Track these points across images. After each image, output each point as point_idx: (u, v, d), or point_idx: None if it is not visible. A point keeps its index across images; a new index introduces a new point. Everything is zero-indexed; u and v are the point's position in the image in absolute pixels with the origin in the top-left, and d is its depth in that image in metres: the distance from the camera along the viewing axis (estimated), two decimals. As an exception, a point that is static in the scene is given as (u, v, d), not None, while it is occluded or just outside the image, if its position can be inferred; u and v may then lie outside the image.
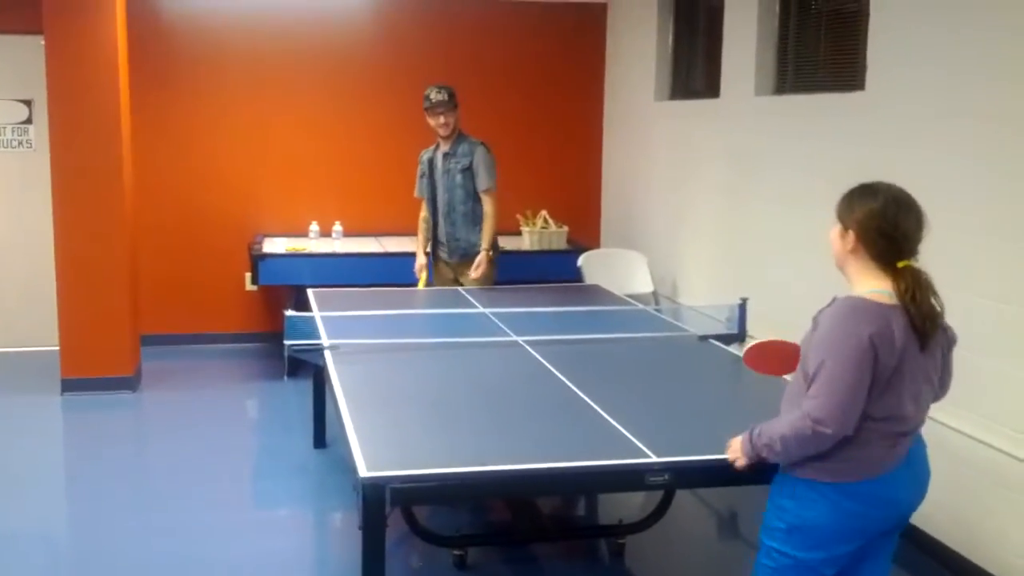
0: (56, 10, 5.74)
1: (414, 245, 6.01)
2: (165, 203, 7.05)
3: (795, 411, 2.46)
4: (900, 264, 2.43)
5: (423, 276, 5.78)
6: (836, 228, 2.54)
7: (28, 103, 6.81)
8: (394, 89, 7.20)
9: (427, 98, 5.52)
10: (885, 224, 2.43)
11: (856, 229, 2.47)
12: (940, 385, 2.57)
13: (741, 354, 2.88)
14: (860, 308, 2.42)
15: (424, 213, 5.81)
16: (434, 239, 5.76)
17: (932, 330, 2.42)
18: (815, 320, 2.52)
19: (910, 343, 2.41)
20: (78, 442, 5.53)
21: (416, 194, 5.82)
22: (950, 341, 2.55)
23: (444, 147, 5.62)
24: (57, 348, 6.04)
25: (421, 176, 5.72)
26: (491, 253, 5.59)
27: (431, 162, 5.68)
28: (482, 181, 5.57)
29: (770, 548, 2.59)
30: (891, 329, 2.38)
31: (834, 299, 2.50)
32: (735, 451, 2.67)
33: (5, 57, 6.77)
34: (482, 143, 5.64)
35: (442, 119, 5.50)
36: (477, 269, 5.54)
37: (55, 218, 5.92)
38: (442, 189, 5.63)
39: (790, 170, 4.99)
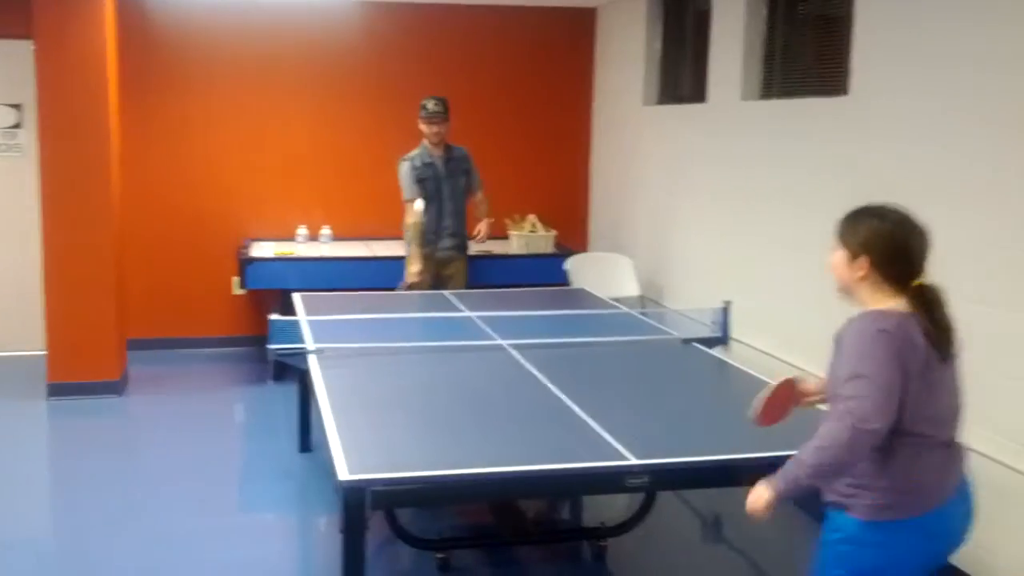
0: (46, 15, 5.75)
1: (403, 249, 5.99)
2: (153, 207, 7.05)
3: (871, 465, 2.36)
4: (914, 283, 2.41)
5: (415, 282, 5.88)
6: (840, 254, 2.49)
7: (17, 107, 6.81)
8: (383, 93, 7.21)
9: (425, 108, 5.94)
10: (897, 246, 2.42)
11: (868, 253, 2.43)
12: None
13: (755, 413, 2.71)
14: (879, 315, 2.39)
15: (416, 218, 5.88)
16: (433, 236, 6.01)
17: (950, 343, 2.41)
18: (837, 340, 2.46)
19: (931, 352, 2.37)
20: (64, 447, 5.52)
21: (413, 196, 5.91)
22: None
23: (438, 152, 6.02)
24: (44, 353, 6.04)
25: (422, 180, 5.95)
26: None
27: (432, 166, 5.99)
28: (477, 183, 6.22)
29: None
30: (910, 332, 2.35)
31: (850, 320, 2.46)
32: (756, 491, 2.43)
33: (-6, 61, 6.77)
34: (465, 148, 6.17)
35: (436, 128, 5.95)
36: (482, 233, 6.14)
37: (43, 223, 5.92)
38: (449, 191, 6.06)
39: (776, 175, 5.01)
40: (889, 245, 2.42)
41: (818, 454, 2.31)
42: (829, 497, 2.47)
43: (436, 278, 6.07)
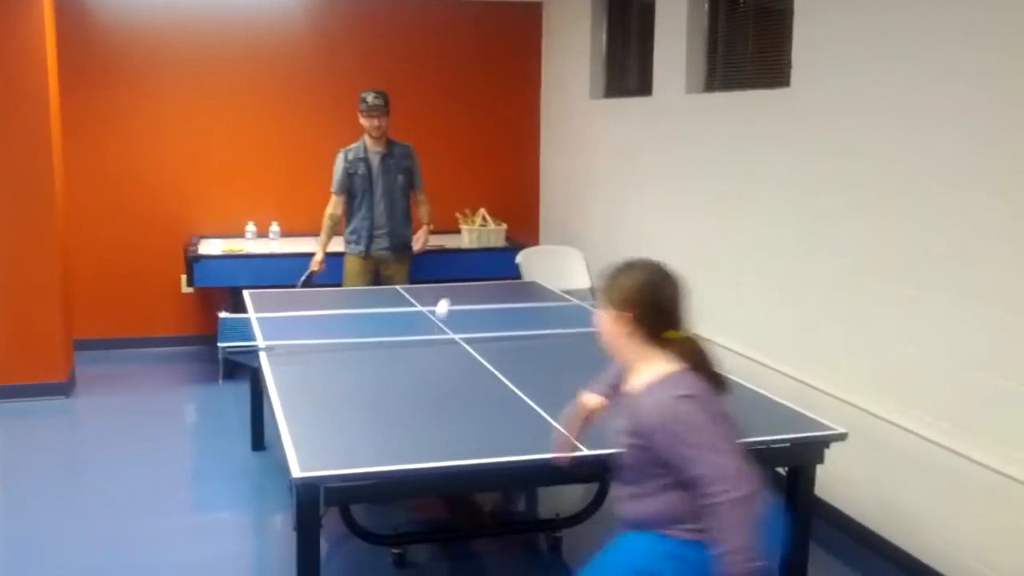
0: (-19, 12, 5.65)
1: (342, 245, 6.09)
2: (99, 205, 6.95)
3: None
4: (671, 335, 2.40)
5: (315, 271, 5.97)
6: (605, 314, 2.48)
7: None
8: (329, 88, 7.18)
9: (364, 101, 5.85)
10: (657, 297, 2.42)
11: (630, 309, 2.41)
12: None
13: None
14: (669, 381, 2.36)
15: (333, 210, 5.99)
16: (368, 235, 5.94)
17: (725, 385, 2.42)
18: (632, 418, 2.40)
19: (716, 396, 2.38)
20: (10, 450, 5.42)
21: (337, 190, 5.96)
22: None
23: (376, 147, 5.93)
24: (-13, 355, 5.94)
25: (351, 174, 5.92)
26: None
27: (365, 161, 5.90)
28: (419, 182, 6.10)
29: None
30: (699, 385, 2.36)
31: (632, 399, 2.43)
32: None
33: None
34: (411, 145, 6.07)
35: (376, 122, 5.86)
36: (419, 241, 6.07)
37: (-17, 223, 5.83)
38: (383, 188, 5.93)
39: (722, 166, 5.09)
40: (649, 297, 2.42)
41: (744, 535, 2.20)
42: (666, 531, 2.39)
43: (376, 277, 6.02)
